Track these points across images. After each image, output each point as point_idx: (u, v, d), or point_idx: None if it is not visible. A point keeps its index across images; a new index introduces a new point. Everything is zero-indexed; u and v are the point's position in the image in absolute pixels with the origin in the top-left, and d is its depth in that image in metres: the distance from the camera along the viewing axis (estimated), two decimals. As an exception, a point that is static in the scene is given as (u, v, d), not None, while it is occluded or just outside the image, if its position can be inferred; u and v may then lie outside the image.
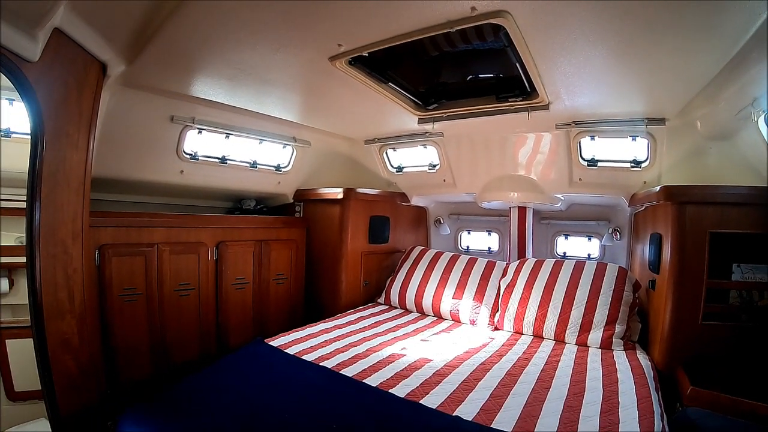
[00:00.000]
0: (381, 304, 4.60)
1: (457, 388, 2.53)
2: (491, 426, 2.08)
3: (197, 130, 3.63)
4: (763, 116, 2.63)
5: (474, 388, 2.54)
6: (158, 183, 3.76)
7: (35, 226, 2.05)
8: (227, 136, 3.88)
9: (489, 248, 5.45)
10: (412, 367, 2.82)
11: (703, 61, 2.42)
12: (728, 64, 2.37)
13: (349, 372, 2.69)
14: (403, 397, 2.38)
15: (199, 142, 3.78)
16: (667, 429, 2.22)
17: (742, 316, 2.95)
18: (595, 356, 3.10)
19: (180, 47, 2.49)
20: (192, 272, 3.59)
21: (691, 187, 3.00)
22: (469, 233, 5.68)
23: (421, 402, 2.32)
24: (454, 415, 2.18)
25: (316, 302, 4.56)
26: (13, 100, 2.82)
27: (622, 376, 2.73)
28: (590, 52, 2.41)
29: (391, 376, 2.66)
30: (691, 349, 2.90)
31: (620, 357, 3.07)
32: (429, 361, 2.94)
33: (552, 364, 2.95)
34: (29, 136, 2.08)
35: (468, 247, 5.66)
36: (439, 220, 5.58)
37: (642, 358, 3.06)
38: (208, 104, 3.45)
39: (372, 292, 4.79)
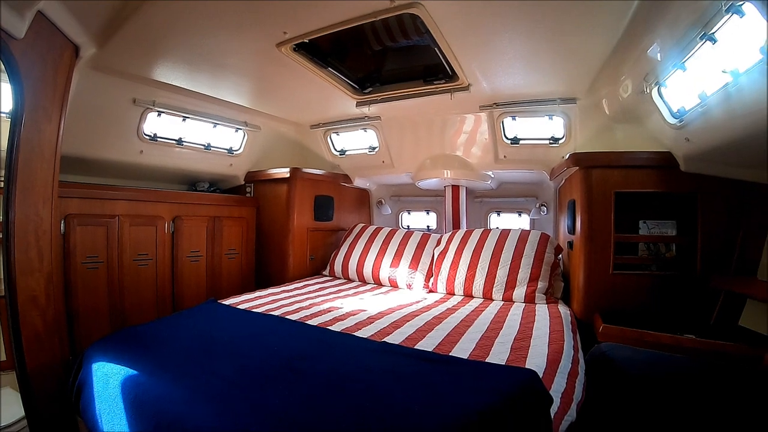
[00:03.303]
0: (326, 275, 4.83)
1: (387, 326, 2.79)
2: (414, 347, 2.33)
3: (157, 113, 3.84)
4: (656, 89, 2.97)
5: (402, 325, 2.79)
6: (119, 162, 3.92)
7: (12, 189, 2.20)
8: (184, 119, 4.09)
9: (428, 227, 5.78)
10: (349, 314, 3.06)
11: (597, 40, 2.78)
12: (620, 42, 2.73)
13: (292, 318, 2.92)
14: (339, 331, 2.63)
15: (158, 125, 3.98)
16: (581, 359, 2.52)
17: (651, 267, 3.31)
18: (518, 308, 3.38)
19: (148, 32, 2.71)
20: (150, 244, 3.77)
21: (596, 154, 3.36)
22: (409, 213, 6.04)
23: (354, 334, 2.57)
24: (381, 341, 2.44)
25: (266, 276, 4.75)
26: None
27: (540, 318, 3.04)
28: (501, 36, 2.77)
29: (330, 320, 2.90)
30: (606, 296, 3.23)
31: (541, 308, 3.36)
32: (364, 310, 3.19)
33: (477, 312, 3.22)
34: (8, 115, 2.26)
35: (408, 226, 5.99)
36: (381, 201, 5.90)
37: (562, 308, 3.36)
38: (168, 88, 3.66)
39: (318, 266, 5.02)
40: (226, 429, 1.44)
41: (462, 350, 2.33)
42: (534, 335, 2.64)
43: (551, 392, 1.86)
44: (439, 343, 2.44)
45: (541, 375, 1.93)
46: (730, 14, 2.00)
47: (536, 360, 2.19)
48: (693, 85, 2.58)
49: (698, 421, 2.22)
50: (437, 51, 3.05)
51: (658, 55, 2.67)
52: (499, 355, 2.28)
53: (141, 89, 3.58)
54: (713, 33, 2.18)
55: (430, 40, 2.89)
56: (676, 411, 2.30)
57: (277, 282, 4.46)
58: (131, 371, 1.89)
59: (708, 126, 2.59)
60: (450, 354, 2.26)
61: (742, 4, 1.90)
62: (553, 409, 1.79)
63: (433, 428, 1.39)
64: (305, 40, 2.88)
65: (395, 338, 2.52)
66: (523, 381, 1.79)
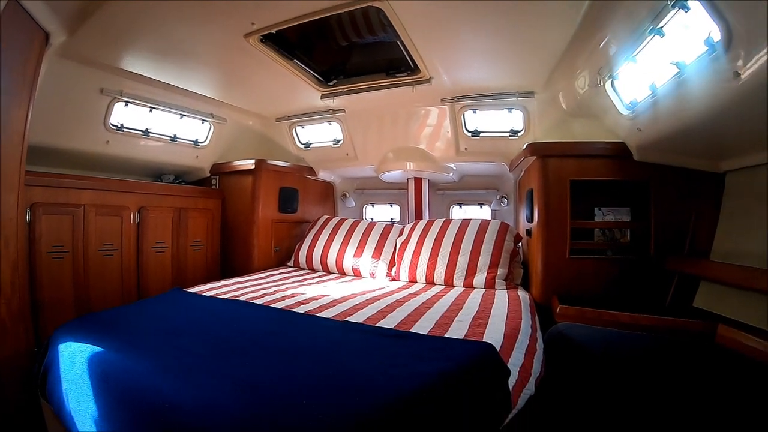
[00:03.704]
0: (290, 266, 4.84)
1: (349, 308, 2.84)
2: (375, 325, 2.40)
3: (124, 103, 3.81)
4: (609, 82, 3.10)
5: (364, 308, 2.84)
6: (85, 152, 3.86)
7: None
8: (151, 110, 4.07)
9: (391, 219, 5.84)
10: (312, 299, 3.10)
11: (553, 35, 2.91)
12: (575, 37, 2.86)
13: (257, 303, 2.94)
14: (302, 312, 2.68)
15: (125, 115, 3.94)
16: (539, 338, 2.62)
17: (607, 252, 3.45)
18: (478, 292, 3.46)
19: (119, 20, 2.71)
20: (115, 234, 3.73)
21: (553, 144, 3.50)
22: (373, 206, 6.09)
23: (317, 315, 2.62)
24: (344, 320, 2.50)
25: (231, 267, 4.74)
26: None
27: (499, 301, 3.13)
28: (461, 30, 2.90)
29: (293, 303, 2.93)
30: (563, 280, 3.34)
31: (501, 292, 3.45)
32: (327, 295, 3.23)
33: (438, 296, 3.29)
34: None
35: (372, 218, 6.04)
36: (345, 194, 5.94)
37: (521, 293, 3.46)
38: (135, 78, 3.64)
39: (282, 258, 5.03)
40: (191, 396, 1.45)
41: (421, 328, 2.39)
42: (492, 314, 2.72)
43: (509, 365, 1.94)
44: (399, 322, 2.50)
45: (498, 348, 1.99)
46: (676, 9, 2.12)
47: (493, 335, 2.25)
48: (644, 78, 2.71)
49: (654, 394, 2.33)
50: (399, 44, 3.14)
51: (611, 49, 2.81)
52: (457, 331, 2.34)
53: (109, 78, 3.54)
54: (661, 27, 2.30)
55: (393, 33, 2.97)
56: (633, 385, 2.41)
57: (242, 274, 4.44)
58: (97, 348, 1.89)
59: (658, 116, 2.73)
60: (410, 331, 2.32)
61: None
62: (511, 382, 1.87)
63: (392, 390, 1.44)
64: (273, 32, 2.93)
65: (357, 318, 2.57)
66: (479, 352, 1.86)
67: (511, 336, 2.31)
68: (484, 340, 2.15)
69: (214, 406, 1.38)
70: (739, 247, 2.77)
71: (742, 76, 1.88)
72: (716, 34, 1.91)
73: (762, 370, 2.01)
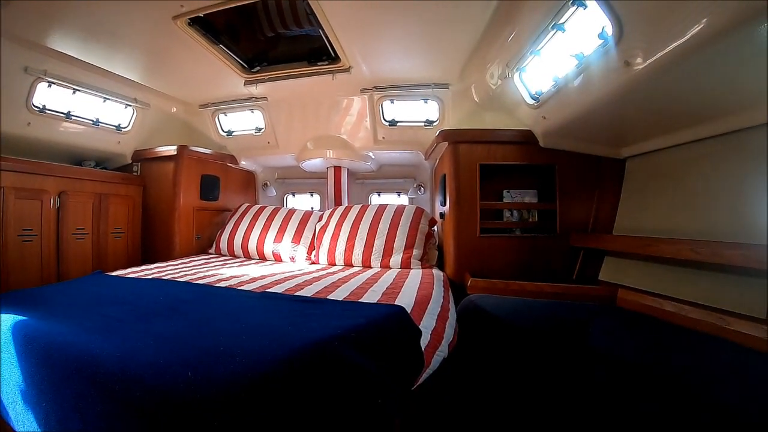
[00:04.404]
0: (212, 253, 4.83)
1: (267, 283, 2.89)
2: (294, 294, 2.48)
3: (48, 84, 3.69)
4: (517, 74, 3.34)
5: (282, 282, 2.91)
6: (5, 133, 3.69)
7: None
8: (74, 92, 3.95)
9: (312, 208, 5.85)
10: (232, 277, 3.14)
11: (466, 29, 3.12)
12: (486, 31, 3.10)
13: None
14: (222, 287, 2.72)
15: (48, 96, 3.82)
16: (451, 307, 2.77)
17: (515, 231, 3.71)
18: (394, 271, 3.61)
19: None
20: (35, 219, 3.61)
21: (464, 130, 3.71)
22: (293, 196, 6.15)
23: (236, 288, 2.68)
24: (262, 291, 2.56)
25: (153, 256, 4.64)
26: None
27: (413, 276, 3.31)
28: (380, 20, 3.05)
29: (214, 281, 2.93)
30: (475, 258, 3.56)
31: (416, 271, 3.63)
32: (246, 274, 3.28)
33: (354, 274, 3.41)
34: None
35: (293, 208, 6.06)
36: (266, 184, 5.97)
37: (435, 271, 3.64)
38: (61, 57, 3.55)
39: (204, 246, 5.00)
40: (115, 348, 1.47)
41: (337, 296, 2.50)
42: (405, 285, 2.88)
43: (421, 327, 2.05)
44: (315, 293, 2.59)
45: (409, 312, 2.10)
46: (575, 7, 2.36)
47: (405, 300, 2.39)
48: (548, 70, 2.96)
49: (558, 353, 2.52)
50: (322, 33, 3.25)
51: (518, 43, 3.06)
52: (371, 298, 2.47)
53: (34, 57, 3.44)
54: (562, 23, 2.54)
55: (316, 22, 3.07)
56: (536, 347, 2.59)
57: (163, 261, 4.43)
58: (20, 317, 1.85)
59: (560, 105, 3.00)
60: (325, 297, 2.43)
61: (584, -3, 2.23)
62: (424, 343, 1.97)
63: (307, 339, 1.50)
64: (201, 15, 2.95)
65: (275, 290, 2.63)
66: (391, 313, 1.96)
67: (422, 302, 2.44)
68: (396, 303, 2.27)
69: (137, 355, 1.40)
70: (638, 224, 3.11)
71: (632, 66, 2.13)
72: (609, 29, 2.15)
73: (661, 325, 2.27)
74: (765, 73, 1.84)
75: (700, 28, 1.68)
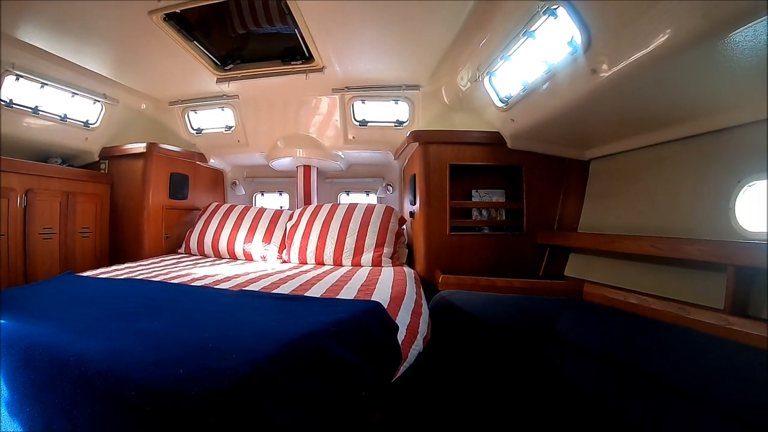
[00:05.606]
0: (181, 253, 4.77)
1: (243, 282, 2.91)
2: (272, 292, 2.50)
3: (15, 77, 3.58)
4: (487, 78, 3.43)
5: (257, 281, 2.93)
6: None
7: None
8: (42, 86, 3.83)
9: (281, 207, 5.87)
10: (206, 276, 3.15)
11: (438, 32, 3.20)
12: (458, 35, 3.19)
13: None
14: (198, 285, 2.73)
15: (15, 90, 3.69)
16: (424, 303, 2.84)
17: (484, 229, 3.81)
18: (366, 269, 3.68)
19: None
20: (2, 218, 3.51)
21: (433, 131, 3.84)
22: (262, 195, 6.13)
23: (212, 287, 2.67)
24: (239, 289, 2.56)
25: (121, 256, 4.52)
26: None
27: (385, 273, 3.38)
28: (354, 21, 3.09)
29: (188, 281, 2.92)
30: (444, 255, 3.65)
31: (387, 269, 3.70)
32: (220, 273, 3.28)
33: (328, 272, 3.45)
34: None
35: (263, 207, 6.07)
36: (235, 182, 5.93)
37: (406, 269, 3.72)
38: (29, 50, 3.42)
39: (173, 245, 4.93)
40: (98, 346, 1.44)
41: (313, 293, 2.53)
42: (379, 282, 2.96)
43: (397, 322, 2.10)
44: (293, 290, 2.62)
45: (385, 307, 2.16)
46: (546, 16, 2.44)
47: (381, 296, 2.47)
48: (518, 75, 3.07)
49: (527, 345, 2.67)
50: (297, 33, 3.28)
51: (489, 48, 3.15)
52: (347, 294, 2.53)
53: (2, 49, 3.29)
54: (533, 31, 2.63)
55: (291, 21, 3.10)
56: (510, 340, 2.73)
57: (132, 261, 4.38)
58: None
59: (528, 108, 3.12)
60: (303, 294, 2.47)
61: (556, 8, 2.33)
62: (400, 337, 2.04)
63: (288, 333, 1.53)
64: (177, 11, 2.93)
65: (251, 288, 2.65)
66: (369, 308, 2.01)
67: (397, 298, 2.52)
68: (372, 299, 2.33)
69: (123, 353, 1.38)
70: (601, 222, 3.27)
71: (598, 73, 2.25)
72: (578, 38, 2.26)
73: (626, 316, 2.40)
74: (721, 83, 2.00)
75: (663, 39, 1.79)
